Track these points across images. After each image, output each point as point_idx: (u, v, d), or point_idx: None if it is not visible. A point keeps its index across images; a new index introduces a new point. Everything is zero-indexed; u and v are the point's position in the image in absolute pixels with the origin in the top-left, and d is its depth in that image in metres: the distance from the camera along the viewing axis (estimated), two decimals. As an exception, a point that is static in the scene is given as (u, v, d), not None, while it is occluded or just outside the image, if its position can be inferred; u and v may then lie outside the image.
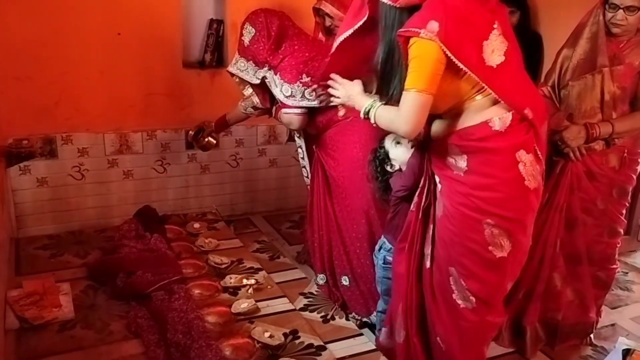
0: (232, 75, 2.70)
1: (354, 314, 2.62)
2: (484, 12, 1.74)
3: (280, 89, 2.50)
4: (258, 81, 2.60)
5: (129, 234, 3.03)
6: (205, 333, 2.25)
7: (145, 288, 2.53)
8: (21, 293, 2.48)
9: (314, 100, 2.50)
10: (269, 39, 2.52)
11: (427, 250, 2.00)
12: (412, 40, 1.67)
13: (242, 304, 2.51)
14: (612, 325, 2.75)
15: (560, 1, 3.50)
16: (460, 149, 1.82)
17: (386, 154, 2.22)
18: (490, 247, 1.82)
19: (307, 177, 2.86)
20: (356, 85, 2.02)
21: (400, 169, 2.20)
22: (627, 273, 3.30)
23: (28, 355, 2.15)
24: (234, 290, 2.69)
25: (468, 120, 1.80)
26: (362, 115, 1.92)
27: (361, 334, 2.51)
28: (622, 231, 2.47)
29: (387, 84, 1.85)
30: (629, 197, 2.44)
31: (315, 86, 2.45)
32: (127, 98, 3.26)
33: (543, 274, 2.41)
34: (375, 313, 2.47)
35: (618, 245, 2.49)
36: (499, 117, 1.75)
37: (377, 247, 2.37)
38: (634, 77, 2.22)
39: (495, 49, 1.73)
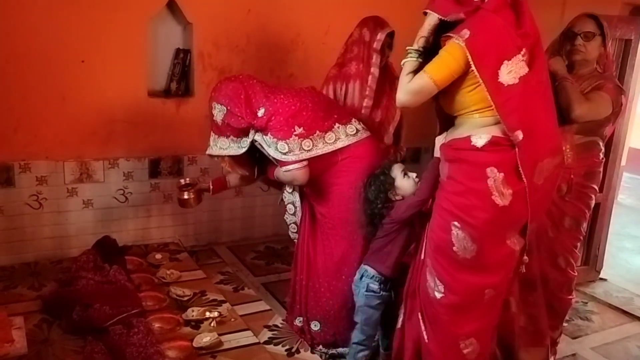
0: (212, 156, 2.58)
1: (320, 347, 2.60)
2: (515, 37, 1.88)
3: (275, 148, 2.38)
4: (244, 150, 2.48)
5: (86, 265, 2.93)
6: (166, 369, 2.18)
7: (103, 322, 2.45)
8: (-30, 328, 2.37)
9: (313, 149, 2.40)
10: (243, 106, 2.38)
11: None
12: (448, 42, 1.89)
13: (205, 338, 2.45)
14: (573, 355, 2.79)
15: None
16: (445, 157, 2.06)
17: (392, 182, 2.27)
18: (454, 248, 1.98)
19: (296, 233, 2.75)
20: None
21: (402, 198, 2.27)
22: (586, 303, 3.37)
23: (-25, 394, 2.05)
24: (196, 324, 2.62)
25: (459, 133, 2.00)
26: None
27: (326, 368, 2.48)
28: (574, 263, 2.53)
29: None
30: (583, 231, 2.50)
31: (312, 135, 2.39)
32: (89, 125, 3.20)
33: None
34: (350, 345, 2.42)
35: (573, 276, 2.53)
36: (479, 136, 1.92)
37: (357, 276, 2.36)
38: None
39: (513, 71, 1.86)
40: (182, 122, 3.45)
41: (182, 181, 2.89)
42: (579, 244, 2.53)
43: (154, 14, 3.29)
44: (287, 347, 2.59)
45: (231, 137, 2.46)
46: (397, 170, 2.29)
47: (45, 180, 3.13)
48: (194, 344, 2.42)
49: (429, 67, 1.89)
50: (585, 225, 2.50)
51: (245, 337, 2.57)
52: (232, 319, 2.71)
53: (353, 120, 2.52)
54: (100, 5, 3.07)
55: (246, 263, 3.53)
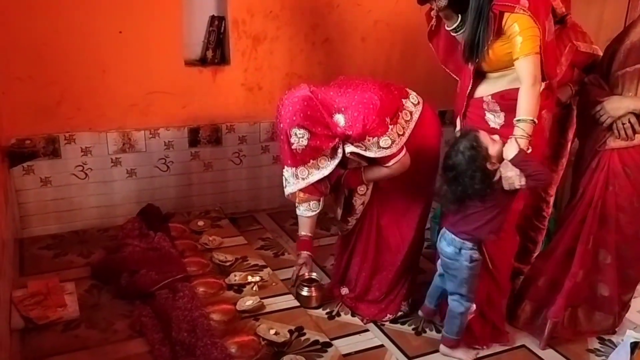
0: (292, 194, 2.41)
1: (368, 318, 2.62)
2: None
3: (377, 147, 2.25)
4: (329, 169, 2.28)
5: (132, 233, 3.02)
6: (210, 331, 2.24)
7: (150, 287, 2.53)
8: (26, 293, 2.48)
9: (405, 131, 2.34)
10: (327, 120, 2.20)
11: None
12: (506, 15, 2.07)
13: (247, 301, 2.51)
14: (620, 318, 2.73)
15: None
16: (501, 107, 2.24)
17: (485, 153, 2.08)
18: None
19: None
20: None
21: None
22: (634, 266, 3.27)
23: (33, 355, 2.15)
24: (239, 288, 2.68)
25: (510, 84, 2.19)
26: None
27: (367, 330, 2.50)
28: None
29: (471, 43, 2.18)
30: None
31: (398, 120, 2.33)
32: (129, 96, 3.25)
33: (574, 270, 2.41)
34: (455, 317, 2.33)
35: None
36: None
37: (452, 250, 2.24)
38: None
39: (550, 27, 2.16)
40: (219, 90, 3.46)
41: (306, 274, 2.66)
42: None
43: (188, -19, 3.28)
44: (328, 310, 2.63)
45: (310, 161, 2.26)
46: (484, 138, 2.10)
47: (90, 151, 3.21)
48: (237, 307, 2.48)
49: (523, 49, 2.05)
50: None
51: (287, 301, 2.61)
52: (274, 283, 2.75)
53: (409, 90, 2.48)
54: (135, -26, 3.08)
55: (286, 229, 3.56)
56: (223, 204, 3.66)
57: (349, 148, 2.27)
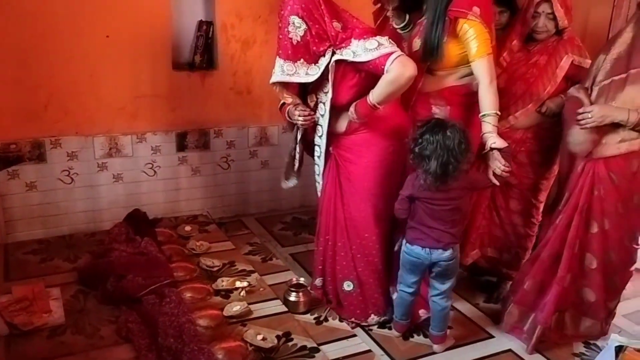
0: (274, 85, 2.41)
1: (353, 319, 2.60)
2: (492, 4, 2.45)
3: (364, 48, 2.23)
4: (314, 77, 2.33)
5: (119, 238, 3.00)
6: (197, 337, 2.23)
7: (136, 292, 2.51)
8: (10, 299, 2.45)
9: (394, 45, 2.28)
10: (324, 18, 2.26)
11: None
12: (461, 21, 2.27)
13: (234, 307, 2.50)
14: (605, 322, 2.75)
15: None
16: (446, 101, 2.46)
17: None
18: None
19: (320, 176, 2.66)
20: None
21: None
22: (619, 270, 3.30)
23: (18, 361, 2.13)
24: (226, 293, 2.67)
25: (456, 81, 2.42)
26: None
27: (354, 335, 2.50)
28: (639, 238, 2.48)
29: (428, 44, 2.36)
30: None
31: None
32: (117, 101, 3.23)
33: (561, 274, 2.42)
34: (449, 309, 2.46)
35: (636, 250, 2.49)
36: (473, 84, 2.37)
37: (452, 254, 2.33)
38: None
39: (493, 34, 2.35)
40: (207, 95, 3.46)
41: (294, 279, 2.76)
42: None
43: (176, -14, 3.28)
44: (316, 315, 2.62)
45: (301, 59, 2.31)
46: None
47: (76, 156, 3.19)
48: (224, 313, 2.47)
49: (479, 52, 2.26)
50: None
51: (274, 306, 2.61)
52: (261, 289, 2.75)
53: None
54: (123, -21, 3.08)
55: (274, 234, 3.56)
56: (211, 208, 3.65)
57: (337, 56, 2.29)
